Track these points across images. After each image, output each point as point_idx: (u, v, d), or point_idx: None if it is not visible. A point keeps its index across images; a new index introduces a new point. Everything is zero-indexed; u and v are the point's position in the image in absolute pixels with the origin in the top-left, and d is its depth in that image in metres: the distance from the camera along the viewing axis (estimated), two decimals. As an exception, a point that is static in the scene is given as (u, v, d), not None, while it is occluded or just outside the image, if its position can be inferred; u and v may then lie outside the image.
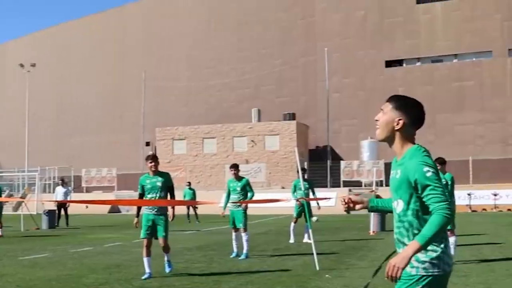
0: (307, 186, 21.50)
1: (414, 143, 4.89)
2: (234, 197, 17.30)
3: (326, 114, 58.03)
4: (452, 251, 14.74)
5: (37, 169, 58.21)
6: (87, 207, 50.55)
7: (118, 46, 78.13)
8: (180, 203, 35.50)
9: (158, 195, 13.47)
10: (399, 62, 63.87)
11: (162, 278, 13.05)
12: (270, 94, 68.33)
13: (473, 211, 46.45)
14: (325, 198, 23.63)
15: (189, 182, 39.30)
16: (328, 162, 56.10)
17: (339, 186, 52.02)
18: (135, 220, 13.69)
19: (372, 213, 25.92)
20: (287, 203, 21.96)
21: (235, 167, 17.59)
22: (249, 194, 17.44)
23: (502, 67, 60.14)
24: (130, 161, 66.42)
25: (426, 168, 4.60)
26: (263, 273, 13.70)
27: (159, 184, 13.50)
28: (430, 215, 4.53)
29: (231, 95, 70.53)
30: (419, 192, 4.60)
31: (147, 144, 68.27)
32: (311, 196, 21.87)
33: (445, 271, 4.61)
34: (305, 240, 21.31)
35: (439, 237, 4.52)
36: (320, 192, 44.85)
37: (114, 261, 15.82)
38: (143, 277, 12.81)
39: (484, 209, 47.33)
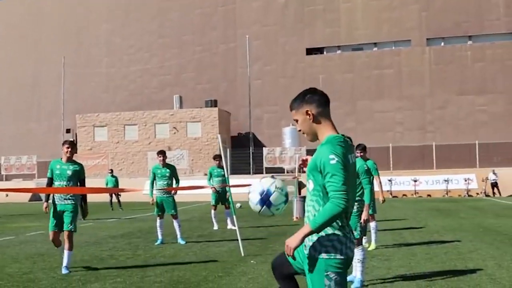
0: (222, 173, 21.59)
1: (335, 132, 5.07)
2: (162, 183, 17.27)
3: (248, 101, 58.23)
4: (373, 236, 15.10)
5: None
6: (7, 195, 49.66)
7: (35, 31, 76.49)
8: (104, 190, 35.23)
9: (65, 184, 12.28)
10: (319, 50, 64.55)
11: (87, 265, 12.95)
12: (191, 81, 68.16)
13: (394, 197, 47.42)
14: (247, 185, 23.76)
15: (112, 170, 38.94)
16: (251, 149, 56.32)
17: (262, 173, 52.25)
18: (45, 204, 12.70)
19: (295, 199, 26.26)
20: (209, 190, 21.96)
21: (163, 153, 17.56)
22: (177, 181, 17.54)
23: (420, 56, 61.44)
24: (50, 148, 65.30)
25: (331, 156, 4.79)
26: (188, 259, 13.75)
27: (69, 172, 12.33)
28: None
29: (153, 81, 70.06)
30: (323, 177, 4.80)
31: (68, 131, 67.24)
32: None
33: (348, 256, 4.86)
34: (229, 226, 21.47)
35: (331, 223, 4.75)
36: (243, 179, 45.21)
37: (37, 250, 15.61)
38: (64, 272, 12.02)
39: (404, 195, 48.40)
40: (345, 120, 60.61)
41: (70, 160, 12.53)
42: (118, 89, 71.51)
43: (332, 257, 4.79)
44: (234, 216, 15.94)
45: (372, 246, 15.02)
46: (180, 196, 31.04)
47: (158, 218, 17.32)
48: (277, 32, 64.88)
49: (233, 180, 46.15)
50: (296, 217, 25.33)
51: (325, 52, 64.51)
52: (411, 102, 60.82)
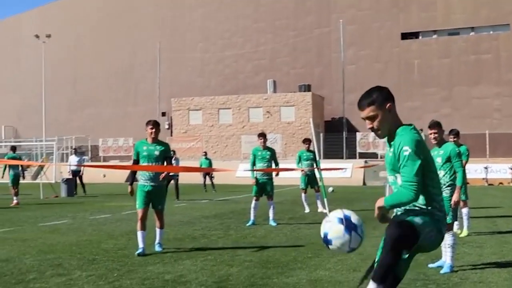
0: (311, 156, 21.79)
1: (401, 123, 5.45)
2: (261, 165, 17.59)
3: (342, 85, 58.02)
4: (465, 222, 14.85)
5: (54, 138, 58.75)
6: (104, 176, 51.20)
7: (131, 17, 77.95)
8: (196, 169, 35.76)
9: (153, 164, 12.49)
10: (415, 35, 63.51)
11: (179, 244, 13.29)
12: (285, 66, 68.22)
13: (489, 184, 46.47)
14: (340, 169, 23.94)
15: (205, 152, 39.57)
16: (344, 134, 56.15)
17: (355, 158, 52.15)
18: (129, 188, 12.72)
19: (387, 184, 26.11)
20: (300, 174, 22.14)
21: (263, 136, 17.85)
22: (276, 164, 17.84)
23: (520, 40, 59.83)
24: (141, 132, 66.57)
25: (405, 147, 5.19)
26: (279, 241, 13.93)
27: (156, 153, 12.49)
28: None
29: (247, 66, 70.46)
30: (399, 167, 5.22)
31: (163, 114, 68.53)
32: (315, 166, 21.99)
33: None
34: (320, 209, 21.55)
35: (399, 207, 5.42)
36: (336, 163, 45.20)
37: (132, 228, 15.99)
38: (137, 252, 11.88)
39: (501, 183, 47.33)
40: (441, 106, 59.66)
41: (155, 140, 12.64)
42: (213, 74, 72.25)
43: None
44: (325, 199, 16.06)
45: (464, 232, 14.78)
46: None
47: (254, 199, 17.54)
48: (372, 17, 64.20)
49: (326, 164, 46.29)
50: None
51: (420, 37, 63.44)
52: (510, 88, 59.27)
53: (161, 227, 12.62)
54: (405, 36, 63.27)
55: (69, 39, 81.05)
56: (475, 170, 45.92)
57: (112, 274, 9.88)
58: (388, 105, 5.36)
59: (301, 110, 58.83)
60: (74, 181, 33.53)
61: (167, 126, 67.32)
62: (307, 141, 22.17)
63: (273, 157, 17.74)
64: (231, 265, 10.53)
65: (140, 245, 11.97)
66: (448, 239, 9.79)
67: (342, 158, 52.86)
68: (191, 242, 13.66)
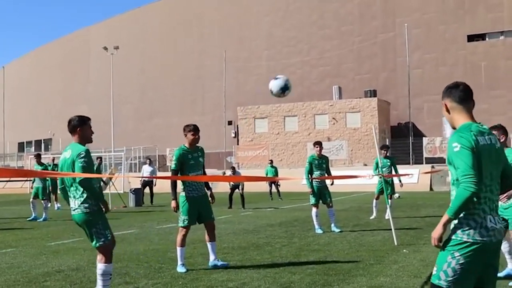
0: (388, 163, 21.80)
1: (466, 121, 5.38)
2: (318, 173, 17.69)
3: (407, 90, 57.63)
4: None
5: (122, 149, 59.71)
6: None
7: (197, 26, 78.94)
8: (259, 179, 35.94)
9: (200, 173, 11.84)
10: (481, 37, 62.65)
11: (243, 252, 13.49)
12: (351, 71, 68.09)
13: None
14: (406, 174, 23.83)
15: (271, 160, 39.79)
16: (410, 139, 55.73)
17: (421, 163, 51.67)
18: (174, 203, 11.67)
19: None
20: (369, 180, 22.14)
21: (319, 144, 17.91)
22: (328, 172, 17.96)
23: None
24: (212, 140, 67.32)
25: (454, 144, 5.15)
26: (342, 248, 14.02)
27: (201, 160, 11.91)
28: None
29: (312, 73, 70.55)
30: (455, 168, 5.14)
31: (229, 123, 69.15)
32: (393, 173, 21.96)
33: (475, 240, 5.07)
34: (387, 216, 21.56)
35: (466, 208, 5.02)
36: (402, 169, 44.85)
37: (198, 237, 16.23)
38: (182, 271, 11.19)
39: None
40: (508, 109, 58.74)
41: (196, 146, 12.08)
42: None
43: (459, 238, 5.08)
44: (388, 207, 16.14)
45: None
46: (339, 187, 31.40)
47: (314, 208, 17.65)
48: (437, 19, 63.59)
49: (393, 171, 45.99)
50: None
51: (487, 39, 62.58)
52: None
53: (214, 240, 11.86)
54: (471, 38, 62.49)
55: (136, 51, 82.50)
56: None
57: (177, 282, 10.16)
58: (444, 102, 5.56)
59: (366, 116, 58.61)
60: (142, 191, 34.09)
61: (233, 135, 67.85)
62: (384, 147, 22.39)
63: (327, 165, 17.93)
64: (294, 273, 10.69)
65: (181, 261, 11.41)
66: (504, 245, 9.78)
67: (408, 163, 52.42)
68: (255, 250, 13.85)
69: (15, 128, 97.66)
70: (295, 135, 61.19)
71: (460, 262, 5.05)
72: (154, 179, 33.96)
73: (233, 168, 32.12)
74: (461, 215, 5.08)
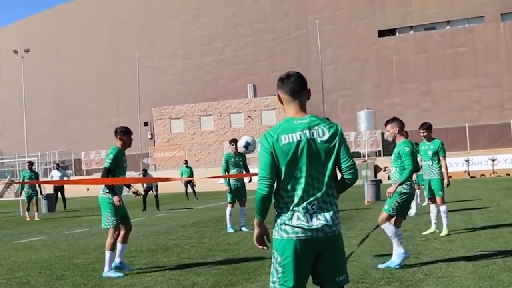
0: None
1: (290, 115, 5.32)
2: (235, 171, 17.47)
3: (321, 86, 58.10)
4: (444, 221, 14.44)
5: (37, 154, 58.38)
6: (88, 189, 50.96)
7: (111, 27, 77.93)
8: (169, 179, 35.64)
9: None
10: (392, 31, 63.75)
11: (151, 255, 13.24)
12: (265, 69, 68.26)
13: (471, 177, 46.64)
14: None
15: (186, 161, 39.50)
16: (325, 135, 56.10)
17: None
18: (116, 198, 11.12)
19: (366, 184, 26.15)
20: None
21: (235, 141, 17.72)
22: (246, 170, 17.79)
23: (495, 32, 60.11)
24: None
25: (259, 147, 5.22)
26: (251, 246, 13.86)
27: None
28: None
29: (227, 71, 70.49)
30: None
31: (145, 124, 68.46)
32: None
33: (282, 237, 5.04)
34: None
35: (263, 208, 5.08)
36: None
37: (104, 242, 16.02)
38: (113, 275, 10.87)
39: (482, 175, 47.53)
40: (420, 101, 59.98)
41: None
42: (194, 80, 72.23)
43: (275, 237, 5.09)
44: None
45: (444, 231, 14.03)
46: (250, 185, 31.09)
47: (230, 206, 17.44)
48: (348, 16, 64.40)
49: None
50: (368, 201, 25.19)
51: (397, 33, 63.71)
52: (487, 79, 59.54)
53: (126, 242, 11.79)
54: (382, 33, 63.56)
55: (49, 52, 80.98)
56: (456, 163, 46.15)
57: (77, 289, 9.84)
58: (277, 93, 5.46)
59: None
60: (55, 197, 33.40)
61: (149, 136, 67.23)
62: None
63: (244, 162, 17.72)
64: (199, 274, 10.49)
65: (109, 267, 11.06)
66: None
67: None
68: (163, 253, 13.60)
69: None
70: (211, 135, 61.01)
71: (278, 261, 5.06)
72: (65, 185, 33.26)
73: (145, 170, 31.75)
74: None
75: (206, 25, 72.08)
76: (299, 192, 5.00)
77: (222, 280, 9.83)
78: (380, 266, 10.22)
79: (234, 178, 17.39)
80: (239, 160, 17.51)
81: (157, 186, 29.36)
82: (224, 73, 70.59)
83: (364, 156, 51.61)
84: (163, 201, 30.08)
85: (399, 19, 62.77)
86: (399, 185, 10.56)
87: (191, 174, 36.54)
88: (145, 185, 29.40)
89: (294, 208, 4.99)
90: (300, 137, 5.04)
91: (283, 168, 5.01)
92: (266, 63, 68.43)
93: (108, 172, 11.26)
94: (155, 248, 14.42)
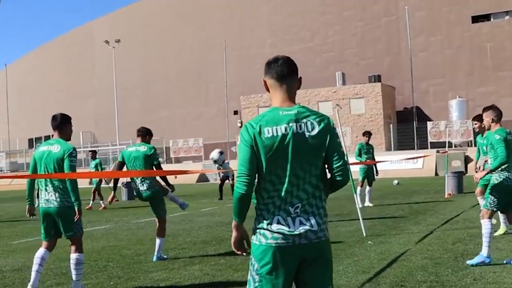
0: (370, 150, 21.59)
1: (275, 105, 4.72)
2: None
3: (411, 74, 56.79)
4: (501, 217, 13.37)
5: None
6: (175, 177, 51.18)
7: (198, 17, 78.08)
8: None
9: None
10: (486, 17, 61.47)
11: (202, 247, 12.83)
12: (355, 57, 67.12)
13: None
14: (382, 161, 23.16)
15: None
16: (414, 124, 54.89)
17: (426, 148, 50.82)
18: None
19: (446, 175, 25.10)
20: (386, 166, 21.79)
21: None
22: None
23: None
24: (216, 131, 66.79)
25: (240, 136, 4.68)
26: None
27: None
28: None
29: (316, 59, 69.59)
30: None
31: (235, 112, 68.52)
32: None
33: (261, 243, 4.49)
34: (367, 203, 21.15)
35: (237, 210, 4.62)
36: (407, 154, 44.10)
37: (168, 231, 15.64)
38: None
39: None
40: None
41: None
42: (282, 69, 71.63)
43: (253, 242, 4.57)
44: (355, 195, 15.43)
45: (501, 230, 13.02)
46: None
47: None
48: (440, 1, 62.41)
49: (398, 156, 45.22)
50: (449, 194, 24.17)
51: (492, 19, 61.40)
52: None
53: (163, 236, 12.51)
54: (475, 19, 61.34)
55: (139, 43, 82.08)
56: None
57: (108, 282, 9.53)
58: (263, 79, 4.88)
59: (371, 101, 57.77)
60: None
61: (239, 124, 67.10)
62: (366, 133, 21.85)
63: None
64: (237, 270, 10.04)
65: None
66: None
67: (413, 148, 51.65)
68: (215, 245, 13.27)
69: (25, 125, 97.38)
70: (299, 123, 60.29)
71: (255, 268, 4.48)
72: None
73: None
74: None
75: (294, 13, 71.39)
76: (281, 193, 4.43)
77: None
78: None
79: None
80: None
81: (233, 175, 29.05)
82: (313, 61, 69.67)
83: (456, 146, 50.23)
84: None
85: (494, 4, 60.39)
86: (488, 172, 10.16)
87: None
88: (221, 174, 29.20)
89: (275, 211, 4.43)
90: (286, 131, 4.44)
91: (264, 165, 4.44)
92: (355, 51, 67.26)
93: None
94: (209, 240, 14.09)
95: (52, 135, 8.99)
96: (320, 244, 4.43)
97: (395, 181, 33.94)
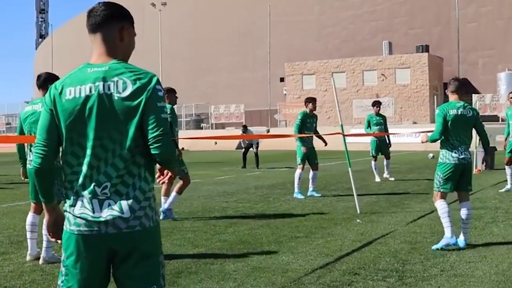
0: (381, 121, 20.29)
1: None
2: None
3: (461, 45, 55.28)
4: (509, 179, 12.70)
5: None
6: (216, 143, 50.85)
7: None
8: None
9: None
10: (542, -13, 59.49)
11: (200, 216, 12.32)
12: (403, 26, 65.62)
13: None
14: (395, 133, 22.27)
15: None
16: (460, 96, 53.41)
17: (471, 121, 49.39)
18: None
19: (475, 151, 24.03)
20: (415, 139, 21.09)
21: (312, 100, 17.03)
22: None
23: None
24: (259, 98, 66.00)
25: None
26: (301, 211, 12.79)
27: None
28: None
29: (364, 27, 68.25)
30: None
31: (282, 79, 67.71)
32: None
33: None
34: (385, 175, 20.37)
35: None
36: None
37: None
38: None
39: None
40: None
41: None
42: (329, 37, 70.53)
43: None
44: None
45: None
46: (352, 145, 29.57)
47: (300, 168, 16.17)
48: (494, -30, 60.61)
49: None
50: (478, 170, 23.23)
51: (548, -11, 59.42)
52: None
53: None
54: (529, -11, 59.41)
55: (186, 8, 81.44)
56: None
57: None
58: None
59: (417, 72, 56.51)
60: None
61: (285, 92, 66.24)
62: (376, 103, 20.66)
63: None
64: (224, 241, 9.46)
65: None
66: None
67: (458, 121, 50.28)
68: (213, 213, 12.66)
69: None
70: (343, 92, 59.21)
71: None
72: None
73: (245, 126, 31.01)
74: None
75: (343, -21, 70.04)
76: (84, 168, 3.64)
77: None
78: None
79: (307, 139, 16.08)
80: (313, 122, 16.29)
81: (257, 144, 28.46)
82: (361, 29, 68.36)
83: (504, 120, 48.67)
84: (265, 159, 29.04)
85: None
86: None
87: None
88: (246, 141, 28.69)
89: (79, 190, 3.66)
90: (90, 91, 3.63)
91: (64, 133, 3.68)
92: (404, 20, 65.73)
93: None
94: (196, 211, 13.48)
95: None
96: (134, 235, 3.61)
97: (430, 155, 32.91)
